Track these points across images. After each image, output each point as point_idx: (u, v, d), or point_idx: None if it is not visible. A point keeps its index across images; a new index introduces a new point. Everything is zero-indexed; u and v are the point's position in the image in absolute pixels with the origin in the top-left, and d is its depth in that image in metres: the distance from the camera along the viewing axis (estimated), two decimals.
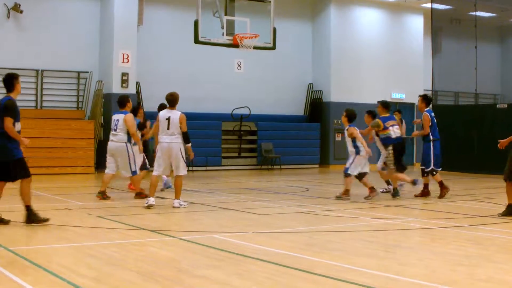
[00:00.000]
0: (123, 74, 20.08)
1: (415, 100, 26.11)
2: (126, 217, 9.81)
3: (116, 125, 12.06)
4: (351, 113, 12.41)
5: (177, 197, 10.95)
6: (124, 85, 19.99)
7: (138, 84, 20.78)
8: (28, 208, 8.73)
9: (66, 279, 5.56)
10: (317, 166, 23.77)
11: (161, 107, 13.10)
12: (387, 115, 13.04)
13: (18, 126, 8.65)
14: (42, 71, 19.92)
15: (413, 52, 26.20)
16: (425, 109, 12.96)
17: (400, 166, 12.76)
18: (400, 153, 12.82)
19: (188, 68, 22.18)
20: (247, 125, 22.45)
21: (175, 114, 10.91)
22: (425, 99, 13.16)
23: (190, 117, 21.08)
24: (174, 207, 10.80)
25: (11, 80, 8.76)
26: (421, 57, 26.25)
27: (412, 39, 26.28)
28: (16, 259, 6.42)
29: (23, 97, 19.77)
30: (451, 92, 27.57)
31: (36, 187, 14.70)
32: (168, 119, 10.87)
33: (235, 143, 22.58)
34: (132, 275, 5.82)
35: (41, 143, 18.77)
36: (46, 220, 8.69)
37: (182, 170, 10.94)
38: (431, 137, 12.82)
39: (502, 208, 10.45)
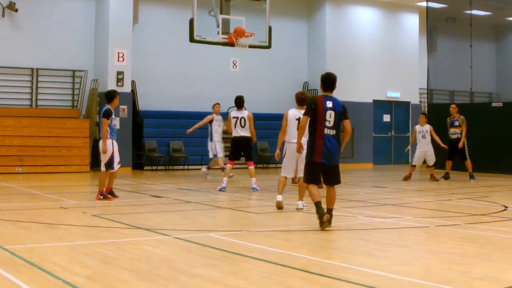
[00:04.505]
0: (119, 73, 20.04)
1: (411, 99, 26.53)
2: (121, 215, 9.79)
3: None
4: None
5: (301, 198, 10.41)
6: (119, 83, 19.95)
7: (133, 83, 20.75)
8: (331, 211, 8.48)
9: (60, 277, 5.54)
10: None
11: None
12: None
13: None
14: (37, 69, 19.87)
15: (409, 50, 26.23)
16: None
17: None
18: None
19: (183, 67, 22.16)
20: None
21: None
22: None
23: (185, 116, 21.33)
24: (297, 209, 10.32)
25: (335, 81, 8.70)
26: (417, 55, 26.29)
27: (407, 37, 26.30)
28: (10, 258, 6.40)
29: (18, 95, 19.77)
30: (446, 90, 27.61)
31: (30, 186, 14.70)
32: (298, 119, 10.40)
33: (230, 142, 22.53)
34: (127, 274, 5.81)
35: (36, 141, 18.76)
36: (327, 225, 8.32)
37: None
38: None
39: (497, 207, 10.46)
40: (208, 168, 17.36)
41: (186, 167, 21.00)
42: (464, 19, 24.36)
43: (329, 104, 8.53)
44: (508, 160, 19.52)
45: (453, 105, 17.90)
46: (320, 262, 6.43)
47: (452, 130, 17.39)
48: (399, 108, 26.36)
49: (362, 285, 5.41)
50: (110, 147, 11.45)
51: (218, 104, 17.25)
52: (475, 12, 25.00)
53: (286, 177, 10.71)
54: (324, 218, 8.29)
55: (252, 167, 14.06)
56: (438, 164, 17.98)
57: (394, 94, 25.93)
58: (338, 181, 8.63)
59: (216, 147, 16.83)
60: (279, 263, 6.26)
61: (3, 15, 19.30)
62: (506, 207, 11.12)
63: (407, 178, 17.02)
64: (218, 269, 6.04)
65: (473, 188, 15.25)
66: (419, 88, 26.58)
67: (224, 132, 16.73)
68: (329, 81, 8.68)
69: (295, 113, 10.61)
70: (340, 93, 23.86)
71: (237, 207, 11.35)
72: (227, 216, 10.41)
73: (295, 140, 10.35)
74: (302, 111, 10.50)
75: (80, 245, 7.26)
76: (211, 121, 16.84)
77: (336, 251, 7.18)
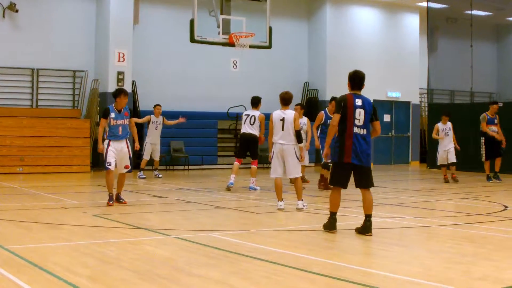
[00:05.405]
0: (119, 73, 20.04)
1: (411, 98, 26.53)
2: (122, 216, 9.79)
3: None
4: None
5: (299, 198, 10.54)
6: (119, 84, 19.94)
7: (133, 83, 20.76)
8: (369, 217, 8.03)
9: (62, 277, 5.56)
10: (313, 165, 23.78)
11: None
12: None
13: None
14: (38, 69, 19.87)
15: (409, 51, 26.23)
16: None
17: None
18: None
19: (184, 67, 22.16)
20: None
21: (289, 114, 10.58)
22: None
23: (186, 116, 21.30)
24: (298, 209, 10.41)
25: (364, 79, 8.67)
26: (417, 55, 26.29)
27: (408, 38, 26.30)
28: (12, 258, 6.41)
29: (19, 95, 19.78)
30: (447, 90, 27.61)
31: (31, 186, 14.71)
32: (283, 119, 10.53)
33: (231, 142, 22.57)
34: (128, 273, 5.82)
35: (37, 142, 18.76)
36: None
37: (297, 172, 10.50)
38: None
39: (498, 206, 10.47)
40: (141, 169, 17.58)
41: (186, 167, 21.02)
42: (464, 19, 24.37)
43: (359, 102, 8.41)
44: (508, 160, 19.51)
45: (497, 103, 17.81)
46: (320, 261, 6.44)
47: (494, 128, 17.32)
48: (400, 108, 26.36)
49: (362, 285, 5.42)
50: (105, 147, 10.70)
51: (159, 105, 17.65)
52: (475, 12, 25.00)
53: (280, 179, 10.70)
54: (332, 232, 8.15)
55: (254, 166, 14.27)
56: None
57: (394, 94, 25.93)
58: (371, 184, 8.27)
59: (145, 147, 17.45)
60: (279, 263, 6.27)
61: (3, 16, 19.31)
62: (506, 206, 11.12)
63: (447, 180, 16.70)
64: (218, 269, 6.05)
65: (473, 188, 15.26)
66: (420, 88, 26.57)
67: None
68: (357, 79, 8.56)
69: (279, 114, 10.66)
70: (341, 93, 23.92)
71: (237, 207, 11.37)
72: (227, 216, 10.42)
73: (281, 141, 10.54)
74: (287, 111, 10.67)
75: (81, 245, 7.27)
76: (148, 122, 17.41)
77: (337, 251, 7.19)
